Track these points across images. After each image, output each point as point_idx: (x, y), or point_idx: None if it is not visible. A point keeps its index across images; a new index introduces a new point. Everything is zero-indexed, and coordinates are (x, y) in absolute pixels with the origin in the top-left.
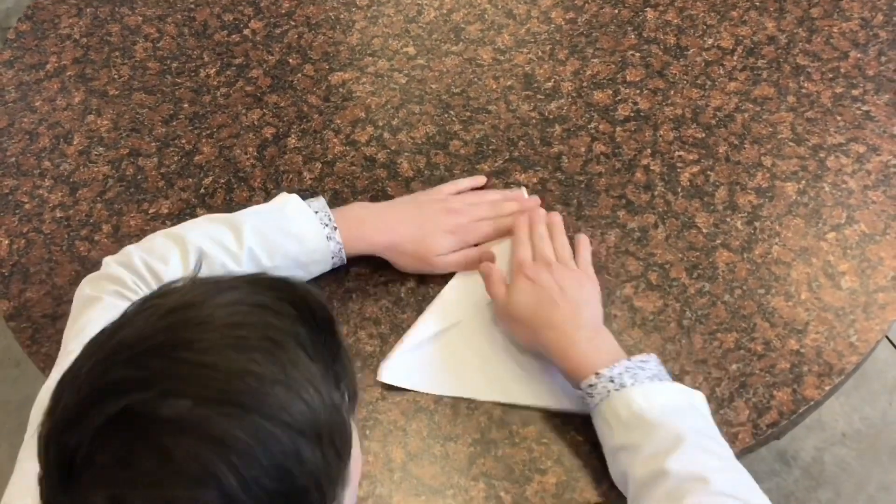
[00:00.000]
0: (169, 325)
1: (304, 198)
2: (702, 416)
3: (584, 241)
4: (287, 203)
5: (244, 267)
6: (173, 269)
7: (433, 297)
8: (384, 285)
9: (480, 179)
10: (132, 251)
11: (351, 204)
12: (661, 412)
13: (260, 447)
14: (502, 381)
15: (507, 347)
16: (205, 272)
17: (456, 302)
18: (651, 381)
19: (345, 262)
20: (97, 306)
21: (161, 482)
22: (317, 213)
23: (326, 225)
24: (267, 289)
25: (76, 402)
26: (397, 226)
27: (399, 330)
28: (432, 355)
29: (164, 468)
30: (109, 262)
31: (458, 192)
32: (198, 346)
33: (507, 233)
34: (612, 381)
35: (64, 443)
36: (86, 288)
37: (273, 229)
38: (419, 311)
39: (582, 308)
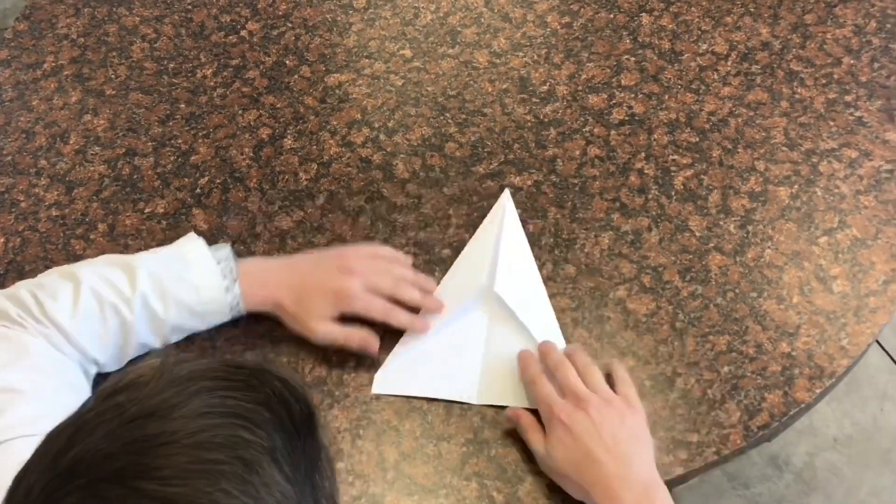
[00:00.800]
0: (131, 442)
1: (295, 197)
2: None
3: (616, 364)
4: (191, 250)
5: (136, 312)
6: (62, 305)
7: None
8: None
9: (431, 284)
10: (21, 284)
11: (253, 257)
12: None
13: None
14: (492, 383)
15: (496, 351)
16: (95, 315)
17: (452, 296)
18: None
19: (243, 314)
20: None
21: None
22: (219, 263)
23: (226, 276)
24: (242, 389)
25: None
26: (283, 281)
27: (394, 331)
28: (423, 361)
29: None
30: None
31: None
32: (162, 473)
33: (394, 323)
34: None
35: None
36: None
37: (169, 276)
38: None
39: (629, 460)
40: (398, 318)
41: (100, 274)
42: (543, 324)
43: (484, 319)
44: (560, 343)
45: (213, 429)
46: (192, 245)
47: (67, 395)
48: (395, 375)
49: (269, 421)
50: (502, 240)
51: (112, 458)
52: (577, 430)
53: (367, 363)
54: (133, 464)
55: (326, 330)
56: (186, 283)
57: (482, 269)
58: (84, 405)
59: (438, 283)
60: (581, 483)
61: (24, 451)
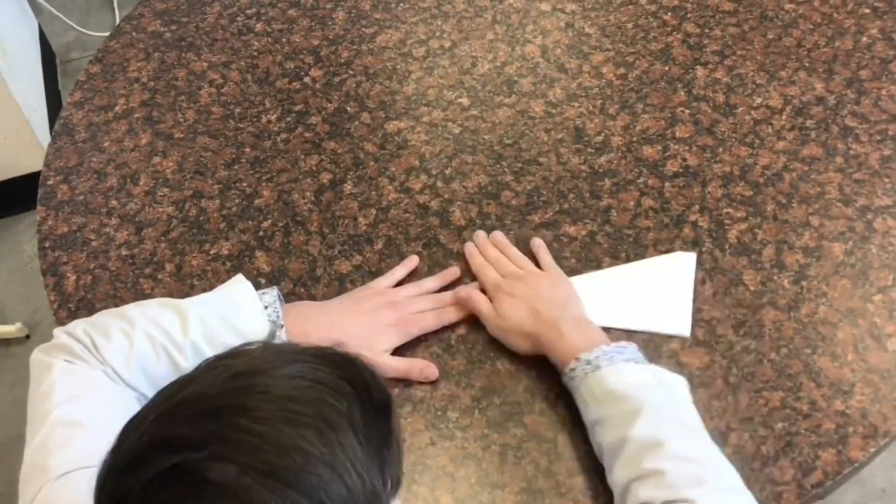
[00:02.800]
0: (232, 388)
1: (354, 242)
2: (672, 393)
3: (539, 243)
4: (239, 293)
5: (187, 357)
6: (115, 345)
7: (484, 344)
8: (435, 332)
9: (413, 261)
10: (78, 323)
11: (299, 301)
12: (630, 387)
13: None
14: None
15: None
16: (148, 357)
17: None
18: (626, 363)
19: None
20: (56, 369)
21: None
22: (266, 307)
23: (273, 322)
24: (331, 366)
25: (136, 450)
26: (341, 324)
27: (448, 376)
28: None
29: None
30: (59, 333)
31: (395, 284)
32: (254, 414)
33: (453, 320)
34: (589, 363)
35: (119, 485)
36: (39, 354)
37: (218, 322)
38: (469, 357)
39: (563, 305)
40: (450, 316)
41: (151, 318)
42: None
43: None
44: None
45: (303, 389)
46: (239, 288)
47: None
48: None
49: (351, 395)
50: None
51: (215, 398)
52: (517, 294)
53: (423, 409)
54: (232, 404)
55: (392, 363)
56: (233, 330)
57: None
58: (197, 366)
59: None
60: (527, 334)
61: (83, 482)
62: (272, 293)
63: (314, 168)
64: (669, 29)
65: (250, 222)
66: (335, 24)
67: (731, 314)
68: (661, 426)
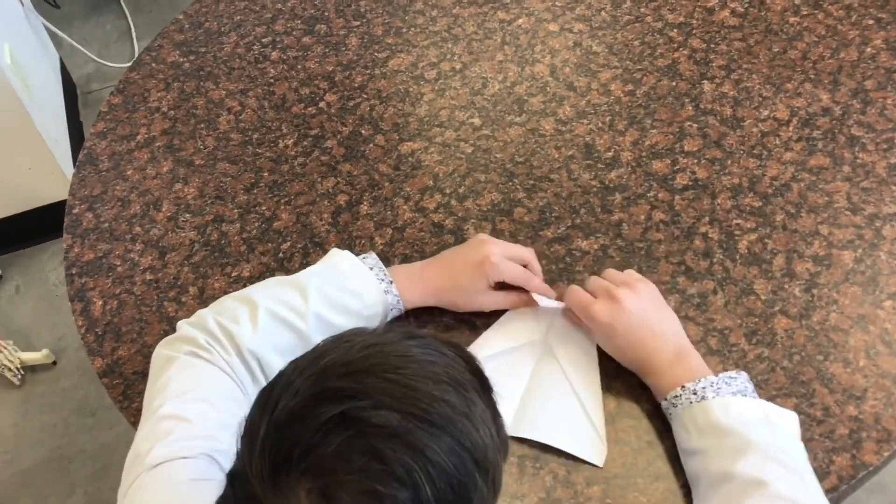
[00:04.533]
0: (373, 353)
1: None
2: (779, 430)
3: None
4: (342, 261)
5: (310, 325)
6: (244, 329)
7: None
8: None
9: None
10: (205, 314)
11: (398, 264)
12: (736, 422)
13: (451, 464)
14: (525, 417)
15: (535, 390)
16: (274, 331)
17: (505, 335)
18: (734, 395)
19: (402, 312)
20: (175, 364)
21: (369, 477)
22: (371, 269)
23: (382, 280)
24: (446, 345)
25: (297, 404)
26: (435, 272)
27: None
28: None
29: (374, 466)
30: (183, 325)
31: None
32: (402, 371)
33: (532, 287)
34: (695, 393)
35: (283, 437)
36: (163, 349)
37: (334, 288)
38: None
39: (667, 325)
40: (535, 283)
41: (273, 295)
42: (588, 382)
43: (531, 359)
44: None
45: (434, 357)
46: (341, 258)
47: (231, 427)
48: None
49: (468, 368)
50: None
51: (361, 360)
52: (615, 323)
53: None
54: (381, 363)
55: (493, 299)
56: (349, 292)
57: (541, 320)
58: (322, 342)
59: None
60: (629, 361)
61: (179, 471)
62: (371, 256)
63: (331, 190)
64: (676, 45)
65: (270, 244)
66: (348, 49)
67: (744, 323)
68: (766, 466)
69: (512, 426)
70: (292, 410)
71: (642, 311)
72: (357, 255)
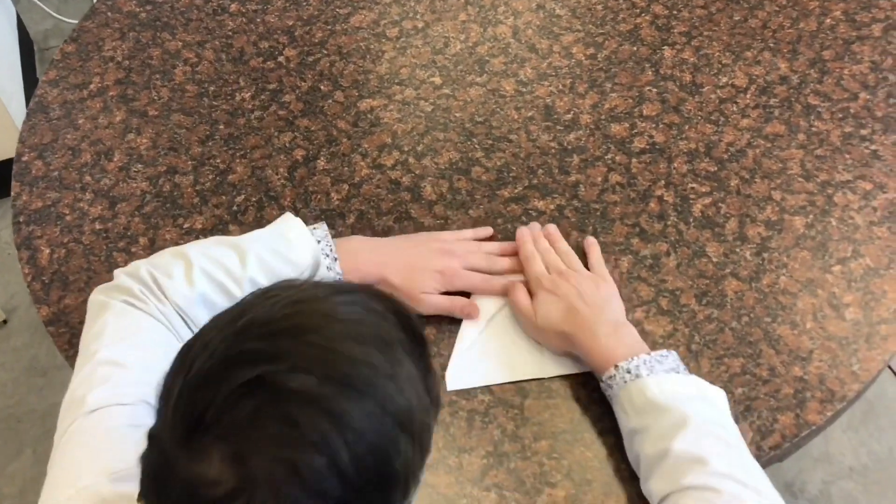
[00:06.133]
0: (297, 311)
1: (327, 216)
2: (713, 407)
3: (592, 243)
4: (290, 230)
5: (244, 290)
6: (176, 283)
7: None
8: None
9: (486, 231)
10: (140, 264)
11: (350, 236)
12: (672, 398)
13: (370, 429)
14: (548, 358)
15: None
16: (208, 292)
17: (489, 300)
18: (667, 373)
19: None
20: (110, 311)
21: (283, 444)
22: (319, 242)
23: (327, 255)
24: (378, 299)
25: (211, 366)
26: (389, 260)
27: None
28: (484, 350)
29: (287, 432)
30: (119, 274)
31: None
32: (324, 332)
33: (495, 292)
34: (629, 371)
35: (195, 400)
36: (98, 296)
37: (275, 257)
38: (438, 327)
39: (602, 308)
40: (496, 285)
41: (210, 255)
42: None
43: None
44: None
45: (361, 315)
46: (290, 225)
47: None
48: (464, 370)
49: (397, 324)
50: None
51: (282, 320)
52: (559, 293)
53: None
54: (301, 324)
55: (434, 301)
56: (291, 264)
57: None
58: (247, 296)
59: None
60: (563, 334)
61: (116, 417)
62: (322, 228)
63: (287, 145)
64: (638, 10)
65: (224, 197)
66: (309, 4)
67: (694, 285)
68: (703, 441)
69: (544, 369)
70: (206, 372)
71: (579, 289)
72: (311, 216)
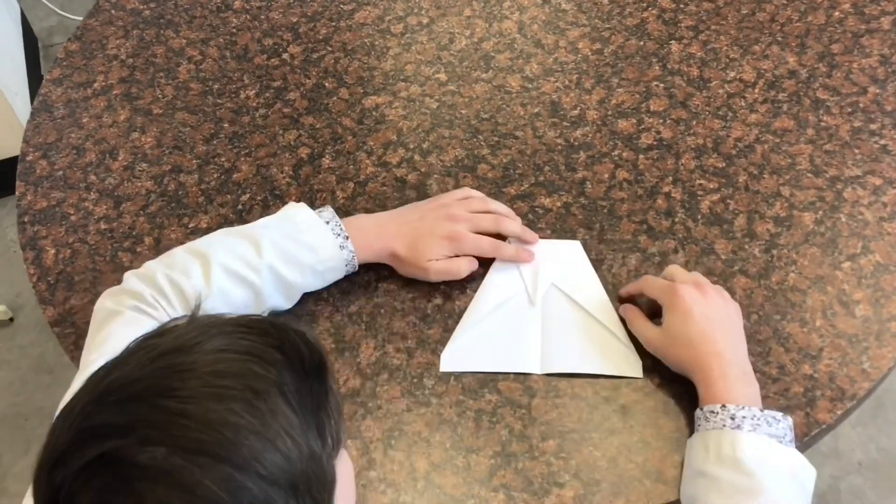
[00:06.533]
0: (156, 369)
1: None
2: (800, 488)
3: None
4: (297, 214)
5: (263, 278)
6: (196, 283)
7: (459, 313)
8: (412, 301)
9: (501, 207)
10: (155, 267)
11: (356, 215)
12: (759, 464)
13: (229, 497)
14: (552, 353)
15: (551, 324)
16: (228, 286)
17: (499, 286)
18: (770, 437)
19: (356, 269)
20: (118, 319)
21: None
22: (328, 223)
23: (338, 235)
24: (258, 334)
25: (63, 442)
26: (395, 232)
27: (425, 345)
28: (487, 335)
29: None
30: (129, 277)
31: (466, 198)
32: (179, 393)
33: (505, 257)
34: (732, 418)
35: (51, 480)
36: (106, 301)
37: (289, 241)
38: (445, 326)
39: (736, 346)
40: (506, 251)
41: (226, 248)
42: (596, 300)
43: (534, 300)
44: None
45: (228, 362)
46: (297, 210)
47: None
48: (461, 353)
49: (280, 361)
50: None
51: (139, 381)
52: (697, 309)
53: (399, 376)
54: (156, 386)
55: (438, 267)
56: (304, 246)
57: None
58: (126, 347)
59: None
60: (693, 354)
61: None
62: (328, 210)
63: (292, 143)
64: (645, 5)
65: (229, 196)
66: (314, 1)
67: None
68: None
69: (541, 365)
70: (59, 450)
71: (726, 310)
72: (314, 209)
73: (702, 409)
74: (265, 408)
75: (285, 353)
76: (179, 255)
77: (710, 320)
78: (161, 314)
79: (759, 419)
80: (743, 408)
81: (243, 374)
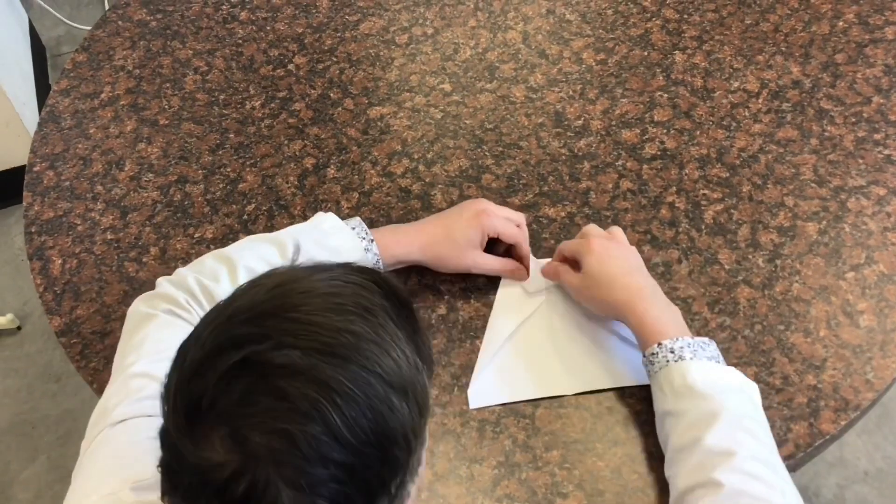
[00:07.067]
0: (278, 293)
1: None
2: (749, 400)
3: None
4: (324, 221)
5: None
6: (224, 287)
7: (463, 323)
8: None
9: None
10: (185, 272)
11: (385, 226)
12: (710, 387)
13: (359, 391)
14: (576, 372)
15: (566, 345)
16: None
17: (509, 312)
18: (709, 360)
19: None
20: (153, 323)
21: (277, 418)
22: (353, 228)
23: (363, 238)
24: (357, 272)
25: (201, 356)
26: (423, 226)
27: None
28: (506, 366)
29: (279, 405)
30: (163, 283)
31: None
32: (304, 308)
33: (526, 250)
34: (672, 352)
35: (190, 390)
36: (141, 305)
37: (314, 245)
38: (449, 336)
39: (648, 276)
40: (526, 246)
41: (252, 251)
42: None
43: (544, 322)
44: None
45: (340, 287)
46: (324, 217)
47: None
48: (487, 387)
49: (380, 292)
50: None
51: (265, 302)
52: (611, 252)
53: None
54: (282, 304)
55: (483, 260)
56: (329, 249)
57: (533, 289)
58: (235, 289)
59: (478, 306)
60: (616, 291)
61: (141, 429)
62: (355, 219)
63: (298, 153)
64: (649, 15)
65: (234, 206)
66: (319, 11)
67: (707, 292)
68: (735, 436)
69: (570, 385)
70: (197, 362)
71: (634, 251)
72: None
73: (644, 355)
74: (376, 322)
75: (382, 287)
76: (208, 262)
77: (624, 258)
78: (194, 317)
79: (694, 346)
80: (677, 339)
81: (354, 295)
